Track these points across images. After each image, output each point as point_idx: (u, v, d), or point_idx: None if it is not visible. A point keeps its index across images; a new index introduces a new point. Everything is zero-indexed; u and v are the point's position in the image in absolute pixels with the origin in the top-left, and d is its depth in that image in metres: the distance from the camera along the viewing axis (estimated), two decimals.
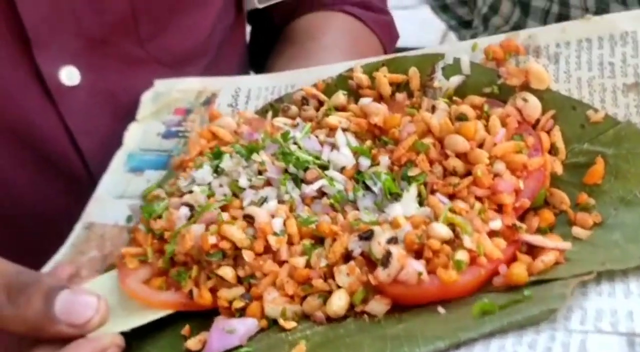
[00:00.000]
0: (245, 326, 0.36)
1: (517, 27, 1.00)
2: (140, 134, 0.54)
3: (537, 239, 0.36)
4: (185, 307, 0.40)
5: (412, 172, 0.40)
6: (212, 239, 0.38)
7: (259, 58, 0.74)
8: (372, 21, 0.70)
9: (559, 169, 0.40)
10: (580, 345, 0.29)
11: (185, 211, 0.41)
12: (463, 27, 1.28)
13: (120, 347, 0.39)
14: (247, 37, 0.75)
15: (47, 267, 0.47)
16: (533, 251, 0.37)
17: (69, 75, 0.54)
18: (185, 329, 0.39)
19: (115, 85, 0.57)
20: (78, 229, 0.49)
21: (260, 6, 0.66)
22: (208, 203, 0.41)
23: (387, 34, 0.72)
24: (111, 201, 0.50)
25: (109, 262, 0.46)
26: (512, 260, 0.36)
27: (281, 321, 0.36)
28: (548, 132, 0.41)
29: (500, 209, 0.38)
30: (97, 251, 0.48)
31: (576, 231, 0.37)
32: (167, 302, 0.40)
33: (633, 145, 0.39)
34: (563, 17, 0.94)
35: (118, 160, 0.53)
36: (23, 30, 0.51)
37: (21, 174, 0.56)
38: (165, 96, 0.56)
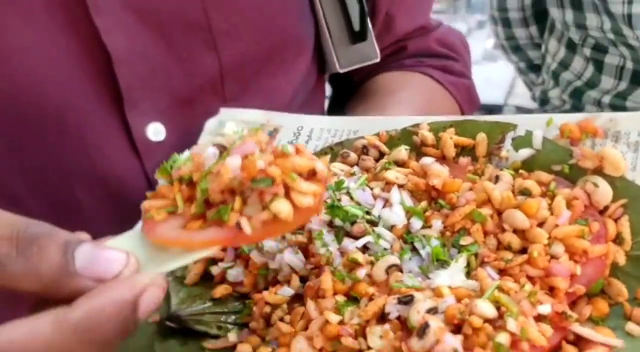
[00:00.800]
0: None
1: (591, 82, 1.00)
2: None
3: (586, 332, 0.34)
4: (233, 242, 0.36)
5: (465, 241, 0.38)
6: (260, 163, 0.33)
7: (335, 111, 0.75)
8: (450, 83, 0.70)
9: (621, 259, 0.38)
10: None
11: (213, 150, 0.37)
12: (532, 70, 1.28)
13: (163, 287, 0.34)
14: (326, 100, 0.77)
15: None
16: (580, 341, 0.34)
17: (155, 132, 0.56)
18: None
19: (197, 141, 0.58)
20: None
21: (341, 71, 0.67)
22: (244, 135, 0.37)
23: (465, 96, 0.72)
24: None
25: None
26: (556, 348, 0.33)
27: None
28: (616, 221, 0.39)
29: (552, 291, 0.36)
30: None
31: (630, 327, 0.36)
32: (212, 239, 0.34)
33: None
34: (638, 73, 0.92)
35: None
36: (117, 89, 0.53)
37: (105, 223, 0.56)
38: (226, 126, 0.56)
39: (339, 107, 0.73)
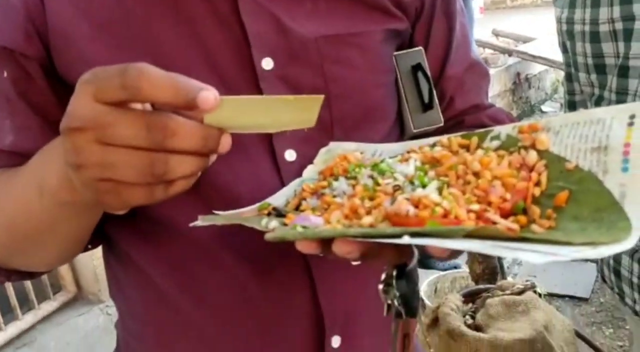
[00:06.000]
0: (316, 219, 0.62)
1: None
2: (312, 171, 0.80)
3: (495, 217, 0.55)
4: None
5: (443, 179, 0.64)
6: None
7: None
8: None
9: (537, 193, 0.59)
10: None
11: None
12: None
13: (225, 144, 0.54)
14: None
15: (222, 213, 0.73)
16: None
17: (290, 155, 0.80)
18: (287, 217, 0.65)
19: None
20: (257, 203, 0.75)
21: (415, 131, 0.91)
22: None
23: None
24: (282, 196, 0.76)
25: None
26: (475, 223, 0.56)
27: (334, 223, 0.61)
28: (540, 175, 0.61)
29: (489, 206, 0.60)
30: None
31: (534, 227, 0.55)
32: None
33: (589, 185, 0.56)
34: None
35: (295, 181, 0.78)
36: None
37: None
38: (333, 151, 0.81)
39: None
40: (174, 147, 0.50)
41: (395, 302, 0.65)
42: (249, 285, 0.81)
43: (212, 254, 0.80)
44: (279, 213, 0.70)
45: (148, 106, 0.53)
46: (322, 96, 0.56)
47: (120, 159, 0.49)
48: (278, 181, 0.80)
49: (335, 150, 0.82)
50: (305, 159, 0.81)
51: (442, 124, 0.93)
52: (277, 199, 0.77)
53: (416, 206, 0.58)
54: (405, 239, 0.52)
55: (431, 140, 0.77)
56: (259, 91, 0.77)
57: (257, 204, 0.76)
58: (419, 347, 1.05)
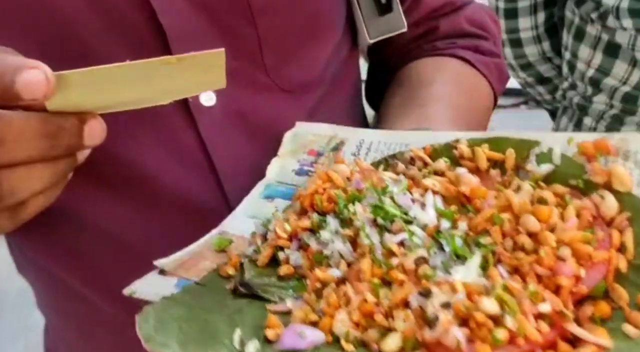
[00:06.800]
0: (314, 335, 0.42)
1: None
2: (279, 168, 0.62)
3: (578, 331, 0.38)
4: None
5: (484, 240, 0.44)
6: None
7: (374, 94, 0.82)
8: (482, 64, 0.77)
9: (623, 266, 0.42)
10: None
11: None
12: (540, 83, 1.32)
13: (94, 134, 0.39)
14: (363, 74, 0.83)
15: (169, 259, 0.54)
16: (577, 339, 0.39)
17: (207, 98, 0.62)
18: (269, 320, 0.44)
19: (243, 106, 0.64)
20: (213, 232, 0.57)
21: (371, 41, 0.72)
22: None
23: (496, 77, 0.78)
24: (244, 219, 0.58)
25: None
26: (552, 344, 0.38)
27: (343, 342, 0.41)
28: (621, 232, 0.44)
29: (557, 291, 0.42)
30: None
31: (627, 328, 0.39)
32: None
33: None
34: None
35: (258, 189, 0.61)
36: None
37: (168, 174, 0.63)
38: (302, 138, 0.64)
39: (377, 93, 0.79)
40: (6, 159, 0.36)
41: None
42: None
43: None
44: (249, 289, 0.49)
45: None
46: (222, 50, 0.40)
47: None
48: (196, 139, 0.63)
49: (304, 137, 0.64)
50: (230, 101, 0.63)
51: (405, 30, 0.73)
52: (239, 223, 0.57)
53: (464, 322, 0.39)
54: None
55: (442, 136, 0.57)
56: (153, 13, 0.58)
57: (211, 236, 0.56)
58: None
